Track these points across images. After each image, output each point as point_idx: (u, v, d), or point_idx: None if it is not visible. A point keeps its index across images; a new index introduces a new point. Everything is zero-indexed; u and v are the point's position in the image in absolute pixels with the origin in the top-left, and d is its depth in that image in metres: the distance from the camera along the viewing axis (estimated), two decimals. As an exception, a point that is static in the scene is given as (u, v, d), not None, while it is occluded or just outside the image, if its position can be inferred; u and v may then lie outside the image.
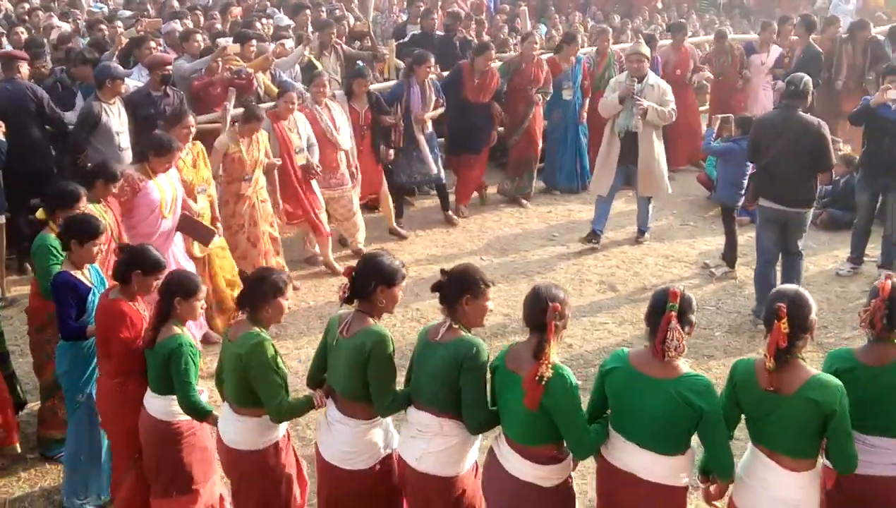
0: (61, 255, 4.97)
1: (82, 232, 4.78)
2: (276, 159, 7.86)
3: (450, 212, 10.04)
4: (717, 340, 7.20)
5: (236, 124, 7.63)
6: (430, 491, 3.93)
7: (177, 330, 4.31)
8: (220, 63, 9.07)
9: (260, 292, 4.12)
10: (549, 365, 3.57)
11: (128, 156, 7.75)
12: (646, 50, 8.96)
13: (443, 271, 3.98)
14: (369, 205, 9.69)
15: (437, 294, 3.96)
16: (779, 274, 7.45)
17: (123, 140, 7.86)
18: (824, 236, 9.35)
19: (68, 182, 5.48)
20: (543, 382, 3.54)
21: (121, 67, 8.31)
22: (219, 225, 7.21)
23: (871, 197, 8.24)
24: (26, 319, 5.64)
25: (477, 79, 9.67)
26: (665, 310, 3.60)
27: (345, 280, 4.10)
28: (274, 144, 7.93)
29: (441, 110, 9.58)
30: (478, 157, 10.16)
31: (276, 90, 9.39)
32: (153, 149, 6.31)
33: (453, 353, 3.79)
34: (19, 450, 5.64)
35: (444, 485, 3.91)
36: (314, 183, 8.30)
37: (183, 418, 4.35)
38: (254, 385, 4.02)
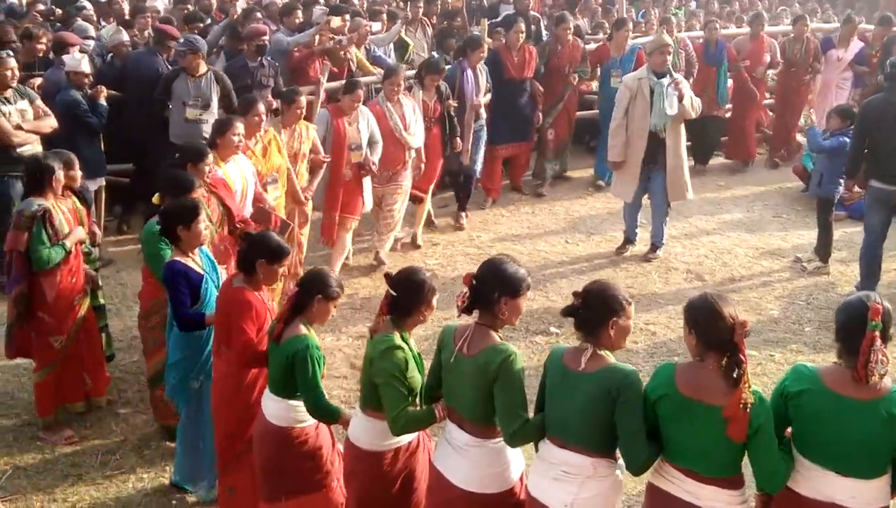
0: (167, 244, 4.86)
1: (183, 215, 4.63)
2: (325, 156, 7.46)
3: (462, 215, 9.47)
4: (807, 336, 7.02)
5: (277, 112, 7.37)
6: None
7: (304, 330, 4.04)
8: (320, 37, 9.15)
9: (413, 296, 3.83)
10: (749, 390, 3.24)
11: (194, 129, 7.92)
12: (670, 40, 8.53)
13: (576, 294, 3.53)
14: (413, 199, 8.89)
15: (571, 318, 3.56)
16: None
17: (190, 112, 7.98)
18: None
19: (183, 171, 5.36)
20: (748, 409, 3.20)
21: (201, 40, 8.35)
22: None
23: None
24: (141, 303, 5.54)
25: (516, 56, 9.53)
26: (866, 329, 3.22)
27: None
28: (329, 139, 7.55)
29: (489, 96, 9.33)
30: (526, 144, 10.15)
31: (369, 66, 9.49)
32: (218, 131, 6.07)
33: (606, 385, 3.36)
34: (105, 403, 5.87)
35: None
36: (366, 182, 7.82)
37: (301, 424, 4.11)
38: (379, 391, 3.79)
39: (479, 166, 9.46)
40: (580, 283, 8.41)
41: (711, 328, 3.31)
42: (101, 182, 8.23)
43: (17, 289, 5.35)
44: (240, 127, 6.09)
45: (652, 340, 6.91)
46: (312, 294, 4.03)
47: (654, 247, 8.62)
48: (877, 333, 3.21)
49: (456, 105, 8.78)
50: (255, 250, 4.30)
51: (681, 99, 7.91)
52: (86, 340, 5.69)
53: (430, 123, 8.55)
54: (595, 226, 9.53)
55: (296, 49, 9.25)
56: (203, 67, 8.08)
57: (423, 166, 8.48)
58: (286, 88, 7.76)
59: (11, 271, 5.37)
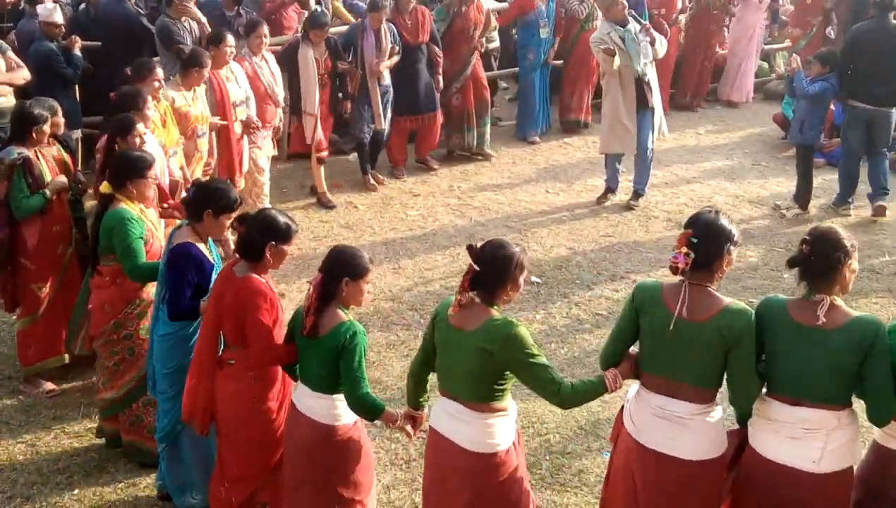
0: (141, 228, 4.52)
1: (221, 203, 4.18)
2: (214, 117, 6.89)
3: (370, 176, 9.03)
4: (786, 282, 7.08)
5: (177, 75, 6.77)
6: (830, 490, 3.33)
7: (344, 316, 3.71)
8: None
9: (499, 272, 3.47)
10: None
11: None
12: None
13: (804, 240, 3.36)
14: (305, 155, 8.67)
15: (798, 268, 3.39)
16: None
17: None
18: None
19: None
20: None
21: None
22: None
23: None
24: (90, 323, 5.00)
25: (409, 20, 8.84)
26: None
27: None
28: (210, 98, 6.90)
29: (397, 59, 8.66)
30: (432, 115, 9.24)
31: (347, 14, 9.37)
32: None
33: (857, 338, 3.20)
34: (89, 354, 5.76)
35: (845, 478, 3.37)
36: (245, 142, 7.36)
37: (348, 420, 3.79)
38: (520, 378, 3.44)
39: (386, 129, 8.91)
40: (561, 233, 8.46)
41: None
42: (78, 133, 8.11)
43: (-1, 237, 5.32)
44: (265, 28, 6.82)
45: (632, 289, 6.93)
46: (339, 278, 3.69)
47: (637, 194, 8.65)
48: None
49: (348, 67, 8.34)
50: (264, 233, 3.85)
51: (652, 42, 8.13)
52: (70, 290, 5.60)
53: (324, 79, 8.16)
54: (576, 175, 9.52)
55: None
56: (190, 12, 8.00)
57: (280, 126, 8.01)
58: (215, 31, 7.45)
59: (-8, 219, 5.33)
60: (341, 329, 3.66)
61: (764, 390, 3.44)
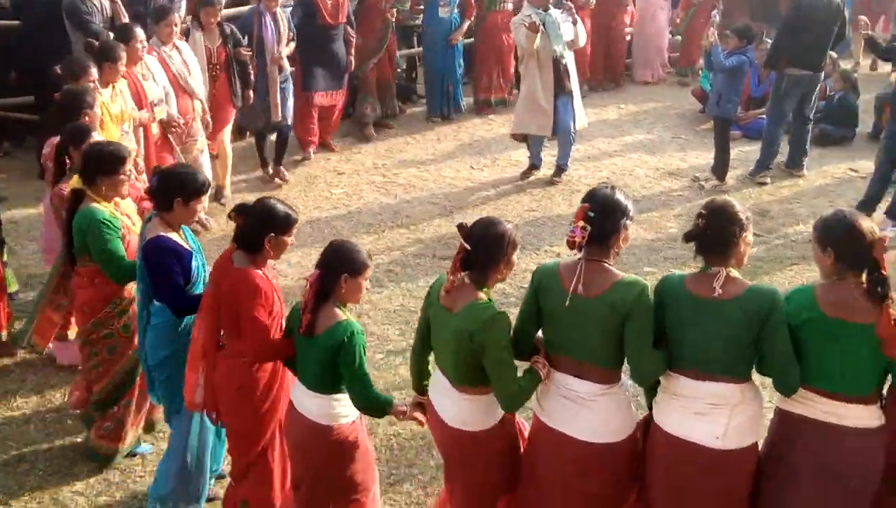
0: (116, 227, 4.26)
1: (190, 189, 3.97)
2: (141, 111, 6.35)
3: (281, 168, 8.64)
4: (705, 253, 7.25)
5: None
6: (732, 467, 3.34)
7: (342, 314, 3.55)
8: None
9: (492, 251, 3.39)
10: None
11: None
12: None
13: (700, 215, 3.37)
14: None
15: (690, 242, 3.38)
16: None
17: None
18: (815, 151, 9.31)
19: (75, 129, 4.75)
20: None
21: None
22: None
23: None
24: (76, 318, 4.81)
25: (329, 0, 8.65)
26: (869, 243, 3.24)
27: None
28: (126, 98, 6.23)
29: (293, 46, 8.32)
30: (340, 93, 9.16)
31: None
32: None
33: (753, 308, 3.21)
34: (5, 338, 5.60)
35: (748, 455, 3.37)
36: (171, 140, 6.89)
37: (346, 420, 3.66)
38: (486, 364, 3.36)
39: (290, 120, 8.52)
40: (486, 208, 8.48)
41: (851, 246, 3.25)
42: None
43: None
44: (177, 17, 6.33)
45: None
46: (338, 274, 3.53)
47: (560, 169, 8.71)
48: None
49: (250, 53, 7.86)
50: (263, 224, 3.68)
51: (574, 22, 8.24)
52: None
53: (215, 71, 7.61)
54: (500, 150, 9.56)
55: None
56: None
57: (209, 119, 7.45)
58: (121, 25, 7.06)
59: None
60: (339, 328, 3.50)
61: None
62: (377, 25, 9.41)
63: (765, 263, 6.95)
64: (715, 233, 3.31)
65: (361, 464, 3.73)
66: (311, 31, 8.62)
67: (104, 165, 4.28)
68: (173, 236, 4.00)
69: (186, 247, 4.05)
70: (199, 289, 4.02)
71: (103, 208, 4.27)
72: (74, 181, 4.36)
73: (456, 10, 10.17)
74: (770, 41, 9.23)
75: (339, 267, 3.53)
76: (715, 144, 8.68)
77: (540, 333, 3.55)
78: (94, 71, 5.76)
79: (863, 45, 10.49)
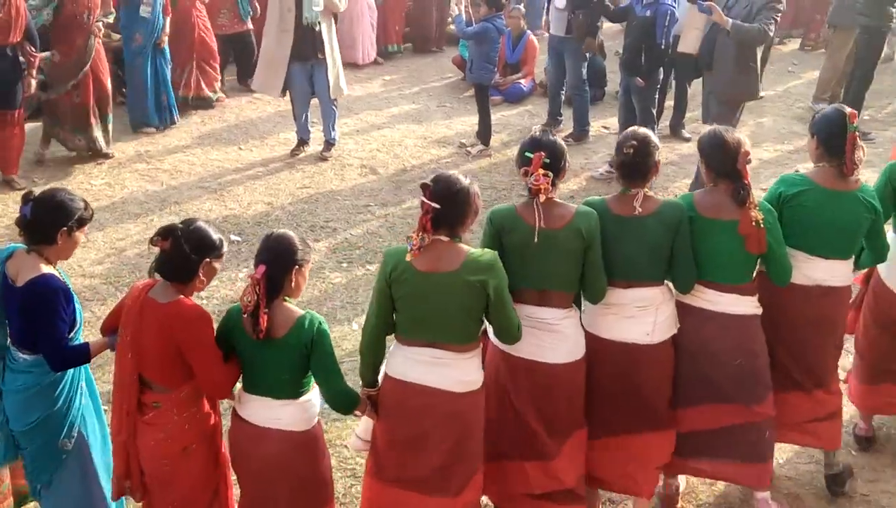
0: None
1: (75, 216, 3.48)
2: None
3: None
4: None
5: None
6: (661, 357, 3.89)
7: (297, 309, 3.33)
8: None
9: (460, 206, 3.38)
10: (756, 208, 3.75)
11: None
12: None
13: (630, 145, 3.74)
14: None
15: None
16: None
17: None
18: (568, 111, 9.80)
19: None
20: (762, 226, 3.73)
21: None
22: None
23: None
24: None
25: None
26: (847, 131, 3.89)
27: None
28: None
29: None
30: (14, 113, 7.63)
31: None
32: None
33: (669, 220, 3.75)
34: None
35: (670, 346, 3.92)
36: None
37: (316, 417, 3.47)
38: (495, 308, 3.41)
39: None
40: (258, 189, 8.38)
41: (719, 156, 3.83)
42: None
43: None
44: None
45: (334, 237, 7.05)
46: (288, 267, 3.30)
47: (329, 144, 8.70)
48: (857, 134, 3.91)
49: None
50: (199, 250, 3.32)
51: None
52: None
53: None
54: (268, 129, 9.44)
55: None
56: None
57: None
58: None
59: None
60: (304, 324, 3.28)
61: None
62: (77, 43, 7.99)
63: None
64: (641, 159, 3.77)
65: (329, 461, 3.60)
66: None
67: None
68: (55, 272, 3.48)
69: (67, 285, 3.53)
70: (79, 338, 3.58)
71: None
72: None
73: (159, 10, 8.88)
74: (522, 9, 9.60)
75: (288, 260, 3.31)
76: (478, 110, 8.96)
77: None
78: None
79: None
